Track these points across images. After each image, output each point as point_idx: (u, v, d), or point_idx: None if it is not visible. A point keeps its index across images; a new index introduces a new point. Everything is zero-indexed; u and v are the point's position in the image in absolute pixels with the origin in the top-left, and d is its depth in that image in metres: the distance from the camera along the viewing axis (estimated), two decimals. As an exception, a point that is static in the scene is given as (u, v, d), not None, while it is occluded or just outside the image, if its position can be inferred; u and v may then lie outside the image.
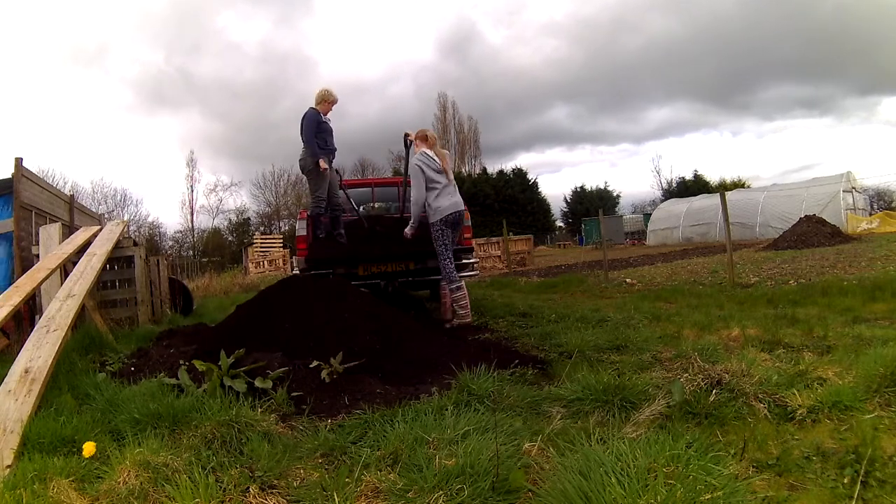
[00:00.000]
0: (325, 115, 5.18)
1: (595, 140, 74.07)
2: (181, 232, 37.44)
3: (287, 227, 35.89)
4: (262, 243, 25.90)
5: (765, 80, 66.42)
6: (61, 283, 3.94)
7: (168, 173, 71.73)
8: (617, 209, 41.02)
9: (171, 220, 67.55)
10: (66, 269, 4.45)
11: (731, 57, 58.95)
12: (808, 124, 69.82)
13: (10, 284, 3.82)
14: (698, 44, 60.19)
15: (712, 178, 41.80)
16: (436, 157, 4.74)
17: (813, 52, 55.77)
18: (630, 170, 73.64)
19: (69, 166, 53.93)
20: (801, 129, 68.21)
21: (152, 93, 55.02)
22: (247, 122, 57.36)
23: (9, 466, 1.89)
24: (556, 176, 74.28)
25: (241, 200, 43.87)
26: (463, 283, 4.69)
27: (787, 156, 68.63)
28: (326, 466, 1.82)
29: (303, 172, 5.28)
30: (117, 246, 5.09)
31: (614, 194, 44.13)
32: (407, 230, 4.85)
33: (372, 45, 70.91)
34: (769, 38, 57.67)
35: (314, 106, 5.12)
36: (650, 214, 30.33)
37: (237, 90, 58.68)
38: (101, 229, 5.36)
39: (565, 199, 44.77)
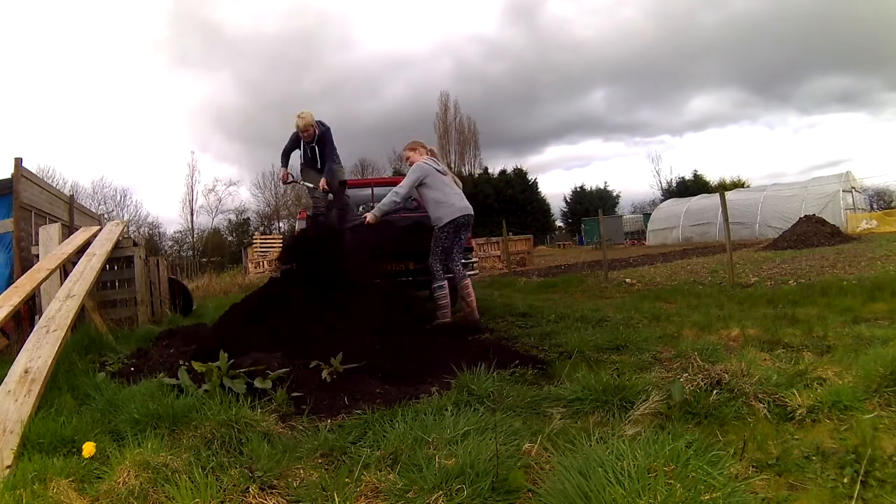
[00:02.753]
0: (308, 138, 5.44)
1: (632, 131, 70.99)
2: (181, 232, 37.45)
3: (287, 227, 35.88)
4: (261, 243, 25.89)
5: (812, 70, 61.99)
6: (61, 284, 3.93)
7: (171, 160, 67.87)
8: (617, 209, 41.02)
9: (171, 214, 64.01)
10: (65, 269, 4.44)
11: (792, 42, 54.91)
12: (843, 119, 65.95)
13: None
14: (771, 25, 55.61)
15: (712, 178, 41.86)
16: (439, 163, 4.77)
17: (866, 42, 51.06)
18: (631, 169, 72.62)
19: (69, 162, 52.56)
20: (835, 124, 64.93)
21: (163, 52, 52.34)
22: (268, 100, 53.49)
23: (8, 467, 1.89)
24: (586, 170, 72.72)
25: (241, 200, 43.43)
26: (445, 283, 4.69)
27: (817, 152, 66.10)
28: (326, 466, 1.82)
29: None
30: (117, 246, 5.08)
31: (614, 194, 44.21)
32: (369, 215, 4.66)
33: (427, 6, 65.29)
34: (832, 24, 51.82)
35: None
36: (650, 214, 30.34)
37: (258, 54, 55.01)
38: (100, 229, 5.35)
39: (565, 199, 44.84)
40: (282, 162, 5.72)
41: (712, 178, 41.76)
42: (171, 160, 66.37)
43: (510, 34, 61.64)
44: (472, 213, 4.71)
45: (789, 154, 65.49)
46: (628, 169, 77.37)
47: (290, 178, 5.73)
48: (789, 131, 67.35)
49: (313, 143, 5.40)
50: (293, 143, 5.50)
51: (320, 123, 5.36)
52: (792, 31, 54.61)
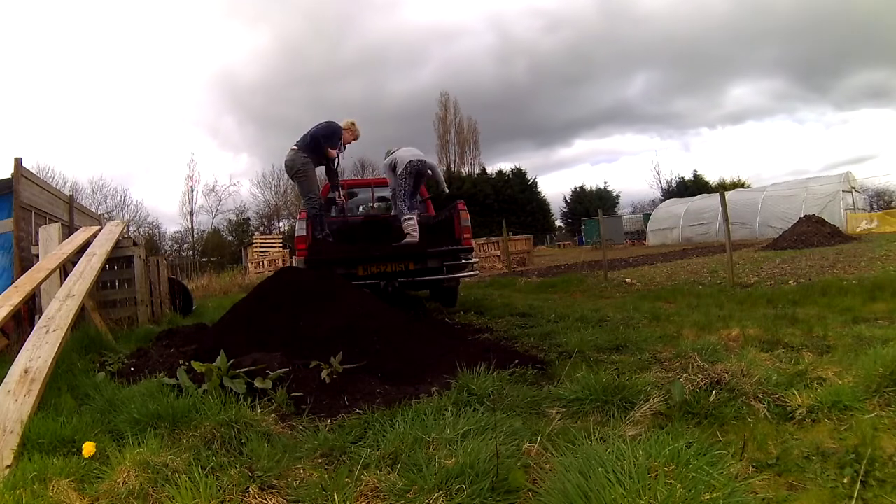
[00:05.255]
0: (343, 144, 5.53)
1: (666, 122, 69.44)
2: (181, 232, 37.43)
3: (287, 228, 35.87)
4: (261, 243, 25.90)
5: (854, 64, 59.15)
6: (61, 284, 3.93)
7: (175, 148, 62.35)
8: (616, 209, 41.01)
9: (172, 207, 60.05)
10: (65, 269, 4.44)
11: (848, 33, 51.36)
12: (873, 115, 62.36)
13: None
14: (838, 15, 52.28)
15: (711, 178, 41.79)
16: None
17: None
18: (631, 169, 70.54)
19: (69, 160, 49.23)
20: (865, 120, 61.69)
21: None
22: (299, 72, 49.95)
23: (8, 467, 1.89)
24: (613, 166, 69.23)
25: (241, 199, 42.62)
26: (414, 214, 5.40)
27: (843, 148, 63.08)
28: (326, 466, 1.82)
29: (290, 174, 5.46)
30: (117, 246, 5.08)
31: (614, 194, 44.21)
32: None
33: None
34: (883, 15, 48.23)
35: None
36: (650, 214, 30.33)
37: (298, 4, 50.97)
38: (100, 229, 5.35)
39: (565, 199, 44.87)
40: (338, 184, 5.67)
41: (712, 178, 41.74)
42: (175, 148, 62.35)
43: (577, 3, 59.26)
44: (421, 158, 5.61)
45: (816, 150, 63.76)
46: (658, 163, 75.65)
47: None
48: (822, 127, 65.44)
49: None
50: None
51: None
52: (854, 20, 51.11)
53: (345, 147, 5.56)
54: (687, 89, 62.92)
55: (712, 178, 41.59)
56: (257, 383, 2.49)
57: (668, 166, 67.04)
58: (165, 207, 69.71)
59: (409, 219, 5.36)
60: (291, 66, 52.56)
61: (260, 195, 39.97)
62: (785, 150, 64.57)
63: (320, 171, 5.63)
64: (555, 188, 72.31)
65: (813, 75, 58.99)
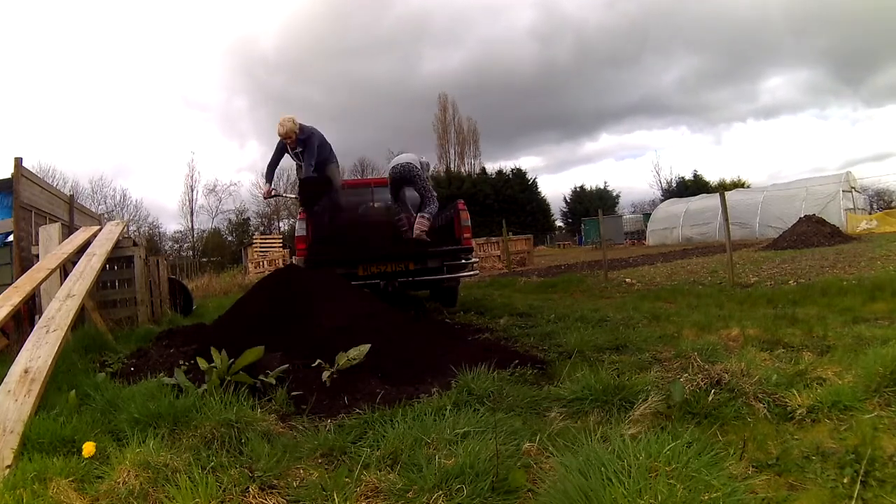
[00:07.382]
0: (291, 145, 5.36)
1: (699, 115, 65.58)
2: (181, 232, 37.46)
3: (286, 228, 35.86)
4: (261, 243, 25.90)
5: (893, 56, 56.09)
6: (61, 284, 3.93)
7: (180, 133, 58.43)
8: (616, 209, 41.01)
9: (173, 204, 58.32)
10: (65, 269, 4.44)
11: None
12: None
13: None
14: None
15: (711, 178, 41.76)
16: None
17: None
18: (631, 169, 68.78)
19: (69, 156, 48.01)
20: (889, 116, 58.69)
21: None
22: (338, 39, 48.17)
23: (9, 467, 1.89)
24: (638, 161, 67.78)
25: (241, 199, 42.08)
26: (416, 215, 5.26)
27: (863, 145, 62.72)
28: (326, 466, 1.82)
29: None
30: (117, 246, 5.08)
31: (614, 194, 44.21)
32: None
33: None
34: None
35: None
36: (650, 214, 30.33)
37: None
38: (100, 229, 5.35)
39: (565, 199, 44.88)
40: (266, 176, 5.81)
41: (712, 178, 41.71)
42: (179, 135, 58.80)
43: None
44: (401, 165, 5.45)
45: (838, 147, 62.24)
46: (687, 157, 72.09)
47: (274, 193, 5.84)
48: (848, 124, 63.77)
49: (297, 150, 5.31)
50: (279, 154, 5.44)
51: (302, 128, 5.24)
52: None
53: (292, 146, 5.34)
54: (725, 79, 60.74)
55: (712, 178, 41.62)
56: (262, 380, 2.49)
57: (668, 166, 66.01)
58: (166, 202, 67.85)
59: (423, 217, 5.21)
60: (330, 35, 50.10)
61: (260, 195, 39.93)
62: (808, 147, 63.16)
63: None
64: (555, 188, 70.61)
65: (849, 67, 57.05)
